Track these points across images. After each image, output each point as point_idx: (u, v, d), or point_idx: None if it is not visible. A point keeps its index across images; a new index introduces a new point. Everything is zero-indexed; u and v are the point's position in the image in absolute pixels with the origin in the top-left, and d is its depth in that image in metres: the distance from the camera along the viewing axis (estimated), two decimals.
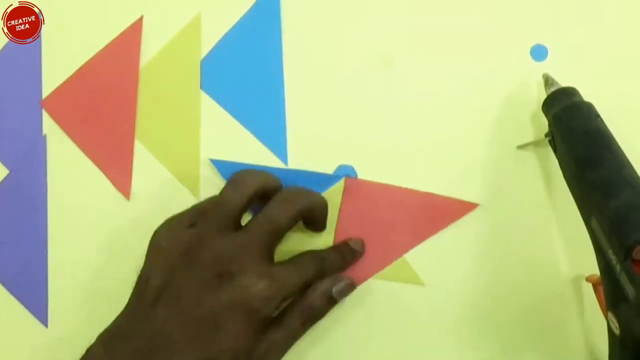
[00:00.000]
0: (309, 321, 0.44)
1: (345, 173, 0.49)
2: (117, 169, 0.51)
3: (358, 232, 0.48)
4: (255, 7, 0.51)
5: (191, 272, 0.41)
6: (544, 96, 0.45)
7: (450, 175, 0.48)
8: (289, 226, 0.44)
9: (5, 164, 0.52)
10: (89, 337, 0.41)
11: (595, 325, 0.45)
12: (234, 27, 0.51)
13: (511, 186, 0.48)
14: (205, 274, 0.41)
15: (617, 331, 0.37)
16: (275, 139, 0.50)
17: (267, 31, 0.51)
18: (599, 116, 0.42)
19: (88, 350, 0.41)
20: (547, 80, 0.46)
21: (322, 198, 0.47)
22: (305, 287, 0.44)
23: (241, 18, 0.51)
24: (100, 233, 0.50)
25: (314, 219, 0.47)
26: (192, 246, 0.42)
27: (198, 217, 0.44)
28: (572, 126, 0.42)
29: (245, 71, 0.51)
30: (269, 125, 0.50)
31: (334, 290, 0.45)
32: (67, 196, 0.51)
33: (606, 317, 0.39)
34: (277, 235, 0.44)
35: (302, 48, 0.51)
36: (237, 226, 0.44)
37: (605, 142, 0.41)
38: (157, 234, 0.44)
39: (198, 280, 0.41)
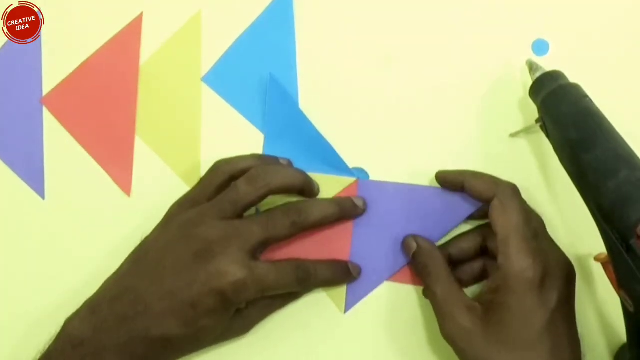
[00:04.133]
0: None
1: (357, 176, 0.48)
2: (118, 165, 0.50)
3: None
4: (269, 9, 0.51)
5: (182, 246, 0.42)
6: (530, 82, 0.45)
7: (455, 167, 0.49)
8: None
9: (6, 161, 0.51)
10: None
11: (609, 302, 0.44)
12: (247, 29, 0.51)
13: (517, 173, 0.47)
14: (192, 250, 0.42)
15: (631, 308, 0.37)
16: None
17: (281, 32, 0.51)
18: (587, 96, 0.42)
19: (75, 313, 0.43)
20: (532, 66, 0.45)
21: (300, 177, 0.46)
22: (285, 291, 0.45)
23: (256, 19, 0.51)
24: (101, 230, 0.50)
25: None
26: (191, 223, 0.43)
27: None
28: (561, 110, 0.42)
29: (259, 71, 0.51)
30: None
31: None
32: (68, 193, 0.51)
33: (619, 295, 0.38)
34: (268, 236, 0.44)
35: (316, 49, 0.51)
36: (239, 216, 0.44)
37: (596, 122, 0.40)
38: (172, 207, 0.46)
39: (184, 256, 0.42)
